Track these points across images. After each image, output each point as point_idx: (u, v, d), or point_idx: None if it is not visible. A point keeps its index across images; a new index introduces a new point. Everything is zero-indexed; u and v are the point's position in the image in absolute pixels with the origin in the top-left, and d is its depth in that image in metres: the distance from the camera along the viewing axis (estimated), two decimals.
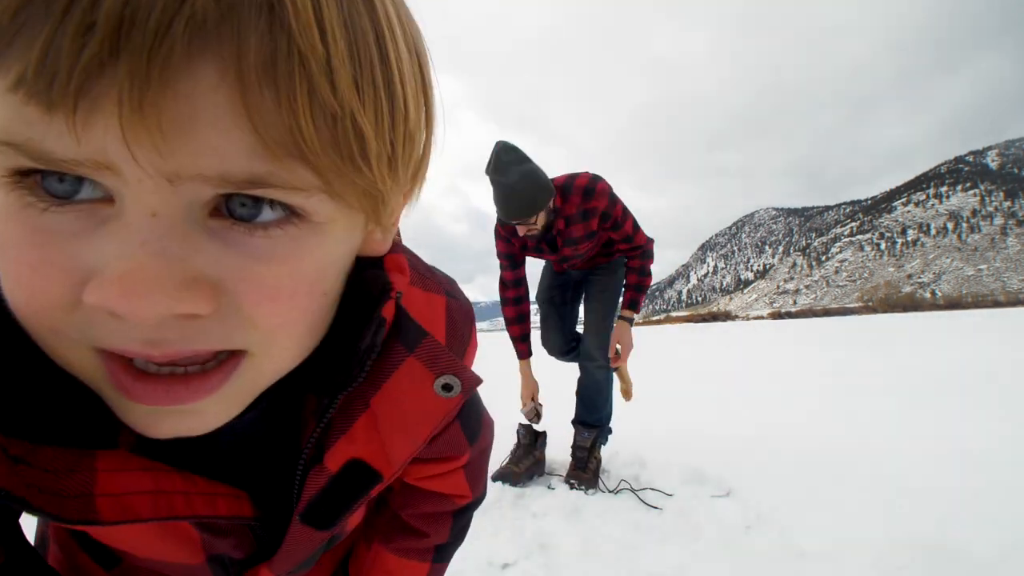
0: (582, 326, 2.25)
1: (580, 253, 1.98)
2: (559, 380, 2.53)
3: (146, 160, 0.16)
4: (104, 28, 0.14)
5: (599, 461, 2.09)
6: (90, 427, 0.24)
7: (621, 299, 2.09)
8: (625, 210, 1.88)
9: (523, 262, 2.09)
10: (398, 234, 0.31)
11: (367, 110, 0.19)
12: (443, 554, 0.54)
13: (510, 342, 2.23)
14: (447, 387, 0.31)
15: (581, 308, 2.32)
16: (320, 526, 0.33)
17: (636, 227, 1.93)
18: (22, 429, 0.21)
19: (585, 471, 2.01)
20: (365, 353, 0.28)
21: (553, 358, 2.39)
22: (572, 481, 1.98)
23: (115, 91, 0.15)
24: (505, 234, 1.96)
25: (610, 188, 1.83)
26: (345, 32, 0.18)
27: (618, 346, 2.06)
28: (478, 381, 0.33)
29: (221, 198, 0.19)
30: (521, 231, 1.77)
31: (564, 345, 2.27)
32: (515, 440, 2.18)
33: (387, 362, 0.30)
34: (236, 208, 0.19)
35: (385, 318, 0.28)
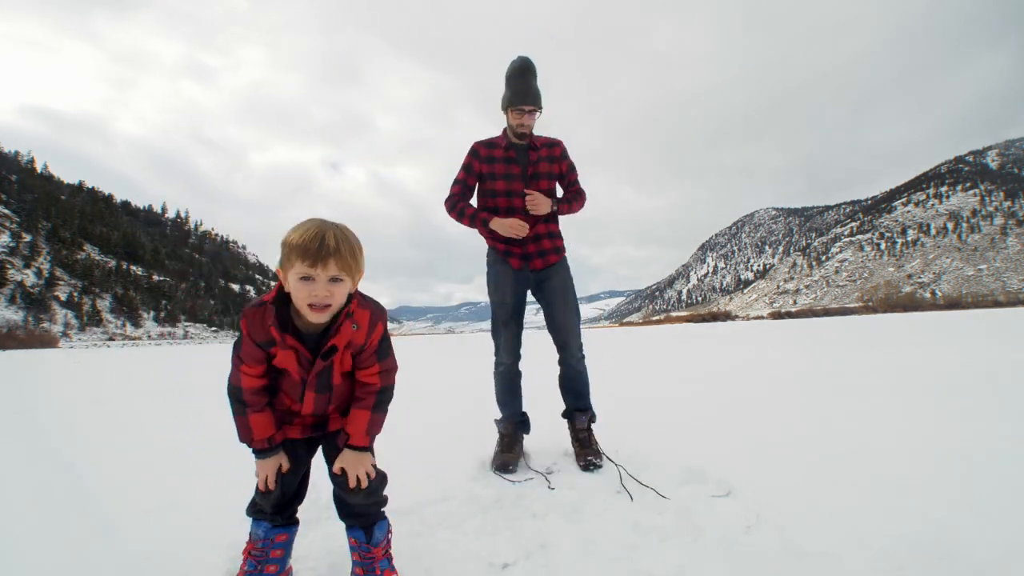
0: (547, 328, 2.43)
1: (541, 188, 2.35)
2: (539, 378, 2.54)
3: (323, 273, 1.10)
4: (320, 252, 1.09)
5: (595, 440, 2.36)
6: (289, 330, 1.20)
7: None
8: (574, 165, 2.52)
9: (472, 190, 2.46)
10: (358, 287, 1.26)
11: (354, 262, 1.15)
12: (376, 408, 1.30)
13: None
14: (355, 325, 1.22)
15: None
16: (324, 359, 1.21)
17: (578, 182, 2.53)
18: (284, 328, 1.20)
19: (590, 449, 2.27)
20: (339, 316, 1.19)
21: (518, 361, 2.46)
22: (590, 458, 2.20)
23: (321, 264, 1.09)
24: (482, 151, 2.38)
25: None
26: (350, 250, 1.14)
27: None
28: (362, 323, 1.25)
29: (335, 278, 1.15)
30: (521, 119, 2.27)
31: (517, 350, 2.41)
32: (498, 434, 2.41)
33: (345, 320, 1.20)
34: (337, 280, 1.15)
35: (346, 310, 1.20)
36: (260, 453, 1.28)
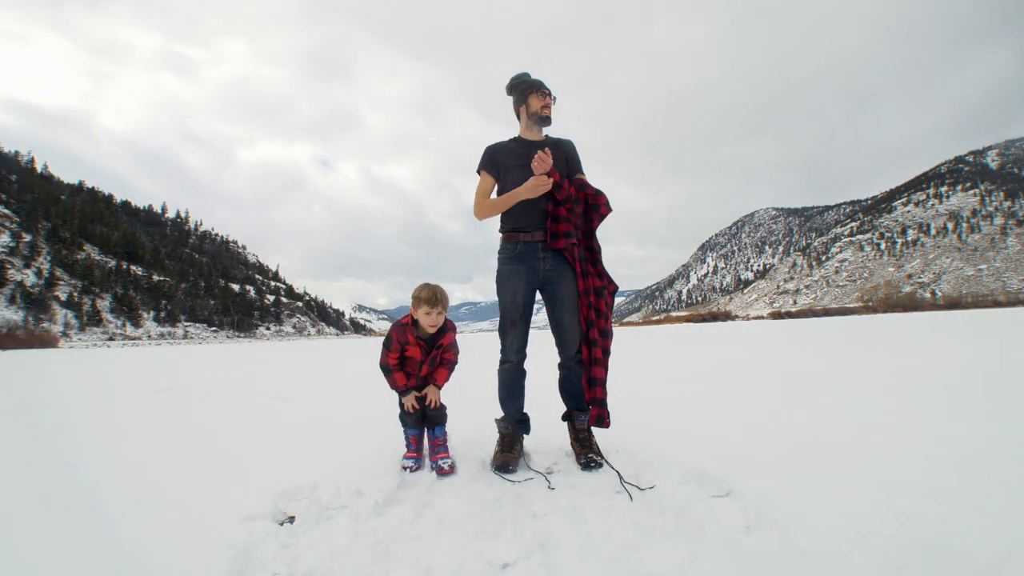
0: (551, 328, 2.45)
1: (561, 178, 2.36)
2: (540, 378, 2.54)
3: (435, 311, 2.26)
4: (434, 301, 2.20)
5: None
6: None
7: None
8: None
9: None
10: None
11: (445, 305, 2.21)
12: (450, 368, 2.46)
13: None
14: (449, 331, 2.36)
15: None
16: (437, 349, 2.36)
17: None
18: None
19: (591, 448, 2.29)
20: (444, 328, 2.34)
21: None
22: (591, 456, 2.21)
23: (436, 307, 2.24)
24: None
25: None
26: (445, 299, 2.23)
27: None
28: (451, 326, 2.40)
29: None
30: (545, 100, 2.39)
31: (524, 349, 2.44)
32: (498, 434, 2.41)
33: (447, 331, 2.35)
34: (441, 313, 2.29)
35: (446, 325, 2.34)
36: (404, 392, 2.34)
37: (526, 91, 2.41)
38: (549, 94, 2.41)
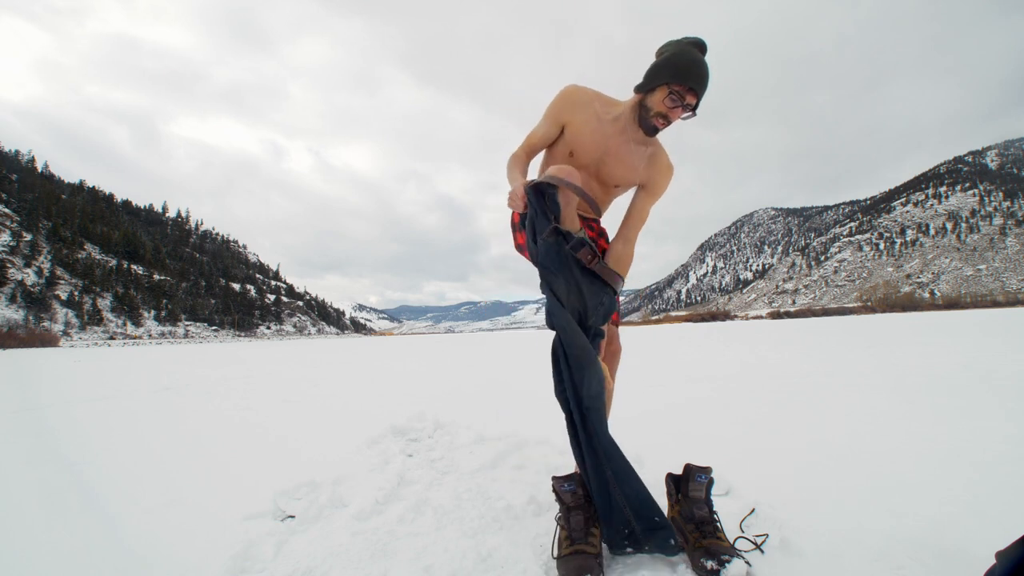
0: None
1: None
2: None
3: None
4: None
5: None
6: None
7: None
8: None
9: None
10: None
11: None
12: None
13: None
14: None
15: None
16: None
17: None
18: None
19: (717, 531, 1.53)
20: None
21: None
22: (718, 547, 1.46)
23: None
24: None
25: None
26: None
27: None
28: None
29: None
30: (676, 113, 1.52)
31: None
32: (558, 503, 1.46)
33: None
34: None
35: None
36: None
37: (659, 76, 1.49)
38: (684, 105, 1.48)
